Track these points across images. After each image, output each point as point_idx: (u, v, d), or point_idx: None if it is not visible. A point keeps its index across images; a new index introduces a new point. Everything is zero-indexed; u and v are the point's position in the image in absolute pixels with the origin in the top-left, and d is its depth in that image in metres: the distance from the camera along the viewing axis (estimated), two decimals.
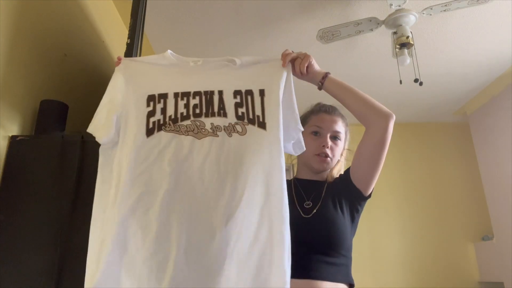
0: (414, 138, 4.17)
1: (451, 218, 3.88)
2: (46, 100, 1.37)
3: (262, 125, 0.98)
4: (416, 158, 4.07)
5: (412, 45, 2.26)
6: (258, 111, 0.99)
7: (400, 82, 2.49)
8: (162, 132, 0.96)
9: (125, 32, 1.54)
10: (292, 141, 1.04)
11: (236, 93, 1.02)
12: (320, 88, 1.13)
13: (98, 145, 1.27)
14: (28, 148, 1.25)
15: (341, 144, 1.28)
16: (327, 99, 1.25)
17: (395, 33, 2.30)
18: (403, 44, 2.26)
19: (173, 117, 0.98)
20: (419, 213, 3.81)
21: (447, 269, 3.70)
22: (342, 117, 1.31)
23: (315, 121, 1.27)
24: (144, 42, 2.37)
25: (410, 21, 2.25)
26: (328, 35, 2.39)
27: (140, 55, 1.54)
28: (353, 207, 1.20)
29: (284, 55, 1.07)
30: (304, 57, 1.09)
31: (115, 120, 1.00)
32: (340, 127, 1.27)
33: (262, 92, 1.02)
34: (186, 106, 0.99)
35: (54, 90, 1.51)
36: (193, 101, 1.00)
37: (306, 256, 1.09)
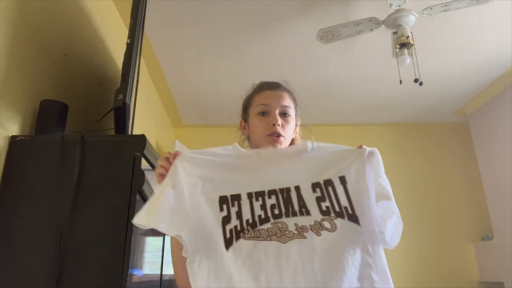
0: (414, 138, 4.17)
1: (451, 218, 3.88)
2: (46, 100, 1.37)
3: (354, 218, 0.86)
4: (416, 158, 4.07)
5: (412, 45, 2.26)
6: (344, 202, 0.88)
7: (400, 82, 2.49)
8: (241, 241, 0.84)
9: (125, 32, 1.54)
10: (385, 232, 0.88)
11: (315, 186, 0.90)
12: None
13: (98, 145, 1.28)
14: (28, 148, 1.25)
15: (292, 121, 1.15)
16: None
17: (395, 33, 2.30)
18: (403, 44, 2.26)
19: (250, 221, 0.86)
20: (419, 213, 3.81)
21: (447, 269, 3.70)
22: (288, 91, 1.18)
23: (260, 99, 1.15)
24: (144, 42, 2.38)
25: (410, 21, 2.25)
26: (328, 35, 2.39)
27: (140, 55, 1.54)
28: None
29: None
30: None
31: (187, 231, 0.86)
32: (287, 101, 1.14)
33: (343, 180, 0.90)
34: (263, 207, 0.88)
35: (54, 90, 1.51)
36: (270, 201, 0.89)
37: None
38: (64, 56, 1.61)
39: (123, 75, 1.42)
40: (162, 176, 0.92)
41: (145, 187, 1.25)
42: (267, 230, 0.85)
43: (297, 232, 0.84)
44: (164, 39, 2.67)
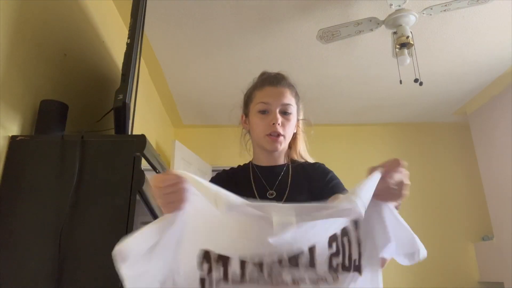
0: (414, 138, 4.17)
1: (451, 218, 3.88)
2: (46, 100, 1.37)
3: (357, 268, 0.73)
4: (416, 158, 4.07)
5: (412, 45, 2.26)
6: (355, 254, 0.73)
7: (400, 82, 2.49)
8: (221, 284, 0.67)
9: (125, 32, 1.54)
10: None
11: (332, 239, 0.72)
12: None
13: (98, 145, 1.28)
14: (28, 148, 1.25)
15: (293, 118, 1.12)
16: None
17: (395, 33, 2.30)
18: (403, 44, 2.26)
19: (237, 278, 0.68)
20: (419, 213, 3.81)
21: (447, 269, 3.70)
22: (290, 86, 1.14)
23: (260, 97, 1.12)
24: (144, 42, 2.38)
25: (410, 21, 2.25)
26: (328, 35, 2.39)
27: (140, 55, 1.54)
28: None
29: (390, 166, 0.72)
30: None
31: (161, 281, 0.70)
32: (289, 98, 1.11)
33: (356, 225, 0.74)
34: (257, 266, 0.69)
35: (54, 90, 1.51)
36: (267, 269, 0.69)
37: None
38: (64, 56, 1.61)
39: (123, 75, 1.42)
40: (169, 208, 0.68)
41: (145, 187, 1.25)
42: (255, 278, 0.67)
43: (291, 282, 0.68)
44: (164, 39, 2.67)
